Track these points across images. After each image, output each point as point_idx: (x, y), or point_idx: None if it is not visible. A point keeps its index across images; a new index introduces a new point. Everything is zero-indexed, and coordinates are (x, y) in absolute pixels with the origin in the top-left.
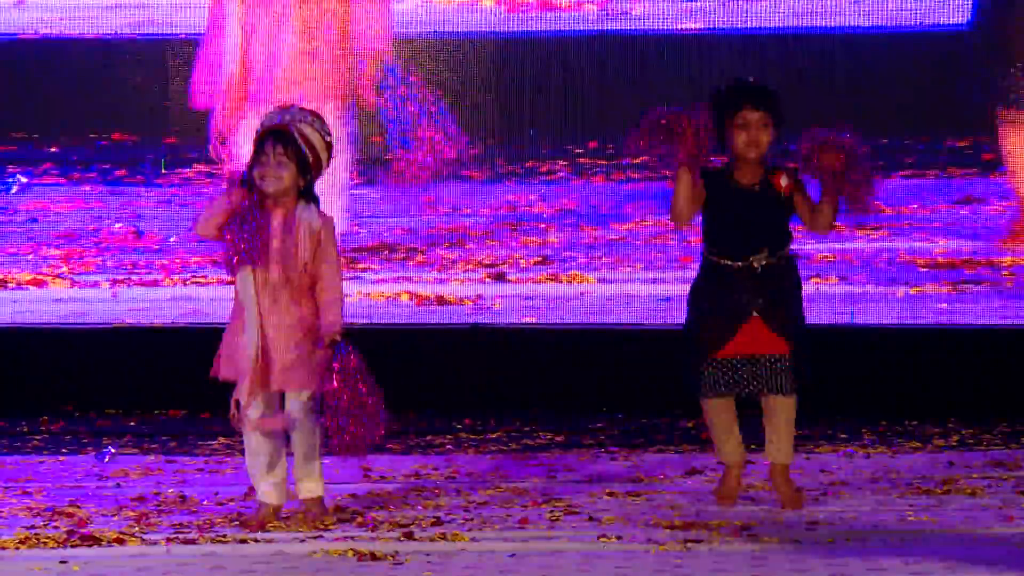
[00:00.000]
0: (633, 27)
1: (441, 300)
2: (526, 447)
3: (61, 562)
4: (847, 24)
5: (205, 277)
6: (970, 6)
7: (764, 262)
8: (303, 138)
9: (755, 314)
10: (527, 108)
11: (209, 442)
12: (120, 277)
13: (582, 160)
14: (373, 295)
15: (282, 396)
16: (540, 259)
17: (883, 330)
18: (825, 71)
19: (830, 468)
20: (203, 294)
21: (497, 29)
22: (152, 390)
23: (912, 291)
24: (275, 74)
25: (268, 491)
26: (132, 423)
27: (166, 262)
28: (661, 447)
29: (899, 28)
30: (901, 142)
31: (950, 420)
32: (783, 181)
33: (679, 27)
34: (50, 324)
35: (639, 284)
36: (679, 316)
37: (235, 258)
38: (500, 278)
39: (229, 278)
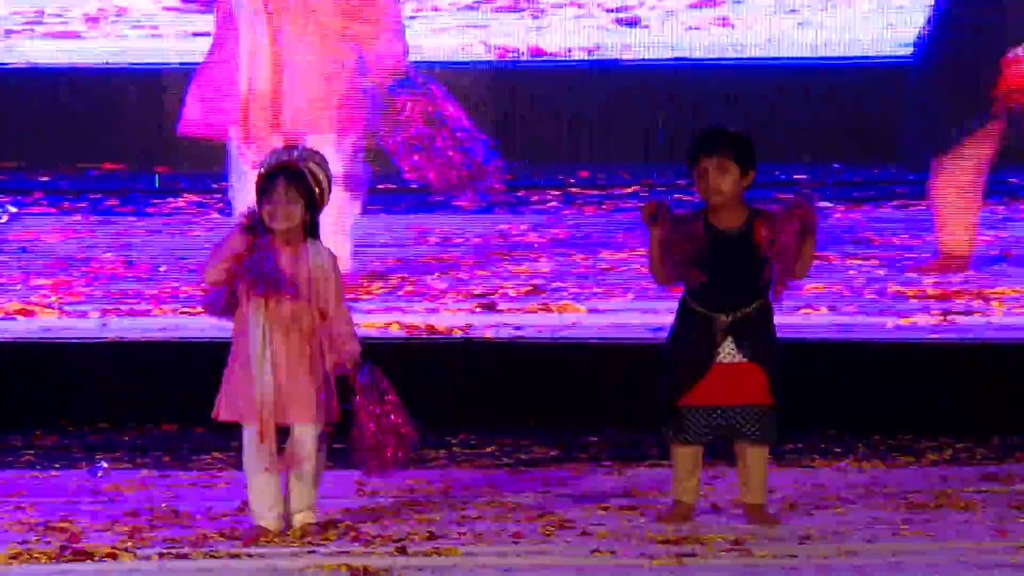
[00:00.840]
0: (623, 58)
1: (431, 330)
2: (520, 462)
3: None
4: (839, 54)
5: (194, 307)
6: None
7: (738, 315)
8: (312, 176)
9: (723, 363)
10: (519, 137)
11: (202, 456)
12: (109, 307)
13: (573, 190)
14: (364, 325)
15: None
16: (531, 289)
17: (876, 345)
18: (818, 101)
19: (823, 482)
20: (193, 324)
21: (490, 59)
22: (145, 404)
23: (902, 322)
24: (304, 100)
25: (268, 520)
26: (125, 437)
27: (156, 292)
28: (654, 462)
29: (893, 59)
30: (891, 172)
31: (943, 434)
32: (764, 231)
33: (668, 59)
34: (42, 339)
35: (630, 314)
36: None
37: (251, 288)
38: (491, 308)
39: (228, 314)
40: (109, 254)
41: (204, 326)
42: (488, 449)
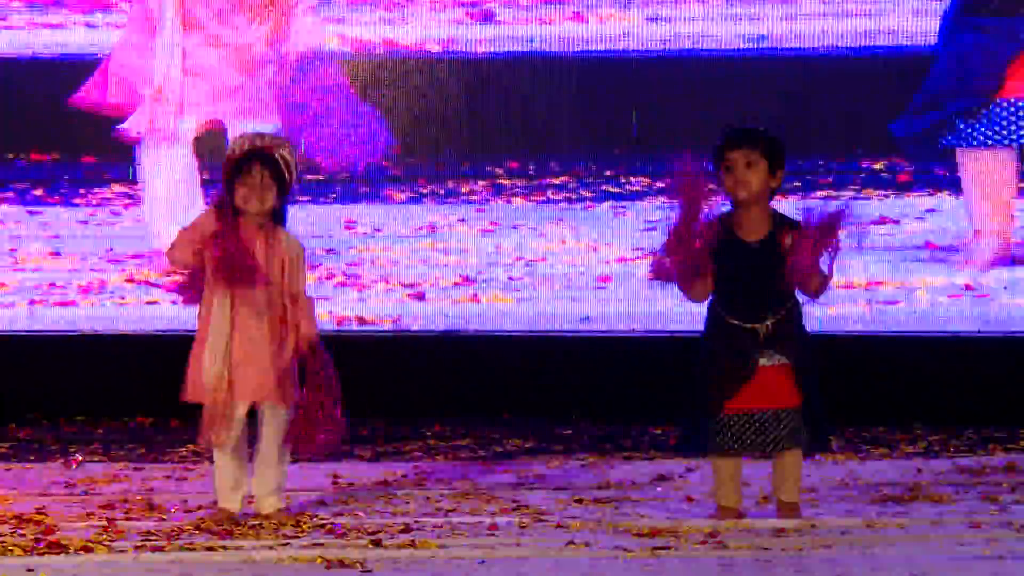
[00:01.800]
0: (551, 49)
1: (361, 320)
2: (495, 454)
3: (28, 570)
4: (765, 46)
5: (123, 297)
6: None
7: (771, 324)
8: (284, 162)
9: (762, 366)
10: (448, 128)
11: (177, 449)
12: (38, 297)
13: (502, 180)
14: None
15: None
16: (460, 279)
17: (851, 337)
18: (742, 91)
19: None
20: (122, 314)
21: (415, 49)
22: (119, 397)
23: (830, 310)
24: (217, 81)
25: (231, 501)
26: (99, 430)
27: (84, 282)
28: (629, 454)
29: (814, 51)
30: (818, 162)
31: (918, 427)
32: (788, 241)
33: (600, 50)
34: (16, 332)
35: (558, 303)
36: (644, 324)
37: (225, 279)
38: (420, 298)
39: (193, 298)
40: (36, 244)
41: (131, 314)
42: (463, 441)
